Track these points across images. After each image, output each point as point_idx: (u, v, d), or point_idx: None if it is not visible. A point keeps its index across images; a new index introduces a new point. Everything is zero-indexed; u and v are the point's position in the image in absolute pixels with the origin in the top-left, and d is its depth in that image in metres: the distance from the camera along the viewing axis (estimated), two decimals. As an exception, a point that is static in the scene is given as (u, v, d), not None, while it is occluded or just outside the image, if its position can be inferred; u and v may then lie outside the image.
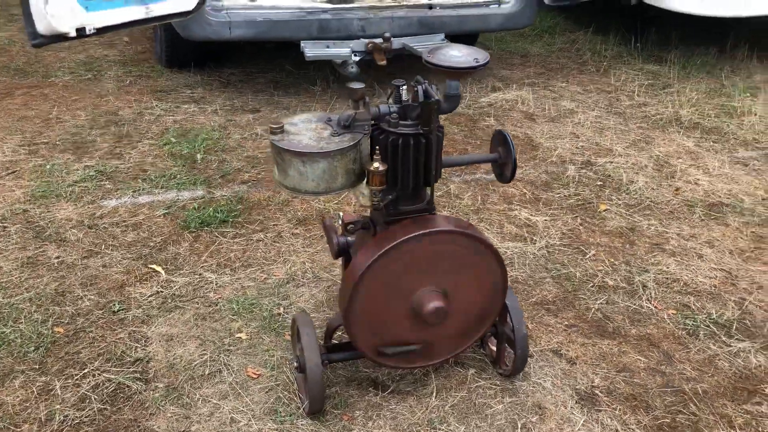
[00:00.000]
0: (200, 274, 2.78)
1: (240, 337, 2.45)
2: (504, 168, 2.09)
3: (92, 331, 2.47)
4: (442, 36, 4.31)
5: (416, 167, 1.94)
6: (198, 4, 3.52)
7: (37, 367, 2.31)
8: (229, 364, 2.33)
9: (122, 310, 2.58)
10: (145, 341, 2.43)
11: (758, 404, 2.26)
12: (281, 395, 2.22)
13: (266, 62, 4.97)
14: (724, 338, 2.55)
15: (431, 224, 1.95)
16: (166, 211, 3.18)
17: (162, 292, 2.68)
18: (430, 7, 4.30)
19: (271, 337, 2.47)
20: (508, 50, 5.65)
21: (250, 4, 4.01)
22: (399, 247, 1.89)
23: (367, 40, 4.10)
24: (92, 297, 2.63)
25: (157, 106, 4.21)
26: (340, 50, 4.03)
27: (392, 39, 4.04)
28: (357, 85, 1.90)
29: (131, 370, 2.31)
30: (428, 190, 2.06)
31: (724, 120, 4.44)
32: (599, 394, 2.28)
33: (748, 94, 4.84)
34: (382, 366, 2.20)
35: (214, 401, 2.19)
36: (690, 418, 2.20)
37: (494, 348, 2.35)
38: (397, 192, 1.98)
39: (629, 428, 2.15)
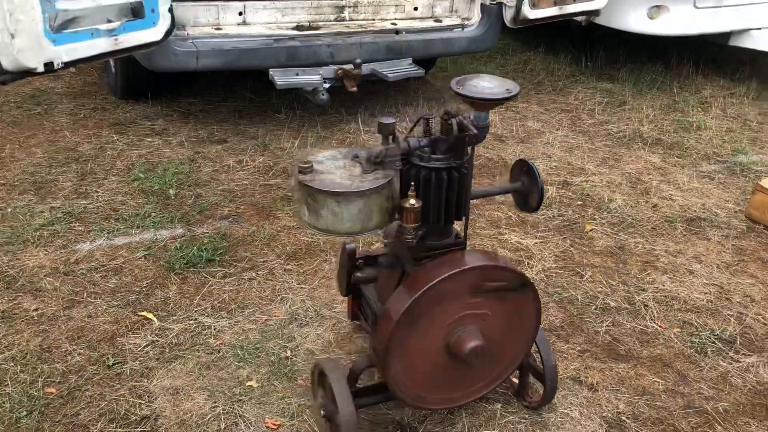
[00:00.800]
0: (196, 319, 2.63)
1: (251, 386, 2.32)
2: (529, 197, 2.05)
3: (88, 389, 2.29)
4: (410, 60, 4.29)
5: (448, 202, 1.88)
6: (165, 34, 3.39)
7: (33, 433, 2.12)
8: (244, 416, 2.20)
9: (117, 363, 2.40)
10: (148, 397, 2.27)
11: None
12: (306, 446, 2.10)
13: (226, 91, 4.83)
14: (731, 354, 2.58)
15: (466, 260, 1.89)
16: (147, 252, 3.01)
17: (158, 341, 2.51)
18: (397, 32, 4.27)
19: (283, 383, 2.34)
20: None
21: (215, 33, 3.88)
22: (436, 286, 1.82)
23: (336, 67, 4.03)
24: (82, 351, 2.45)
25: (118, 140, 4.02)
26: (310, 78, 3.95)
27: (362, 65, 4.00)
28: (387, 120, 1.83)
29: (139, 430, 2.15)
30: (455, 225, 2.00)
31: (683, 135, 4.57)
32: (626, 420, 2.26)
33: (700, 109, 5.02)
34: (421, 409, 2.12)
35: (236, 458, 2.06)
36: (718, 438, 2.20)
37: (516, 380, 2.30)
38: (428, 228, 1.91)
39: (662, 454, 2.13)
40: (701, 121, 4.78)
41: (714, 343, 2.63)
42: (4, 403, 2.21)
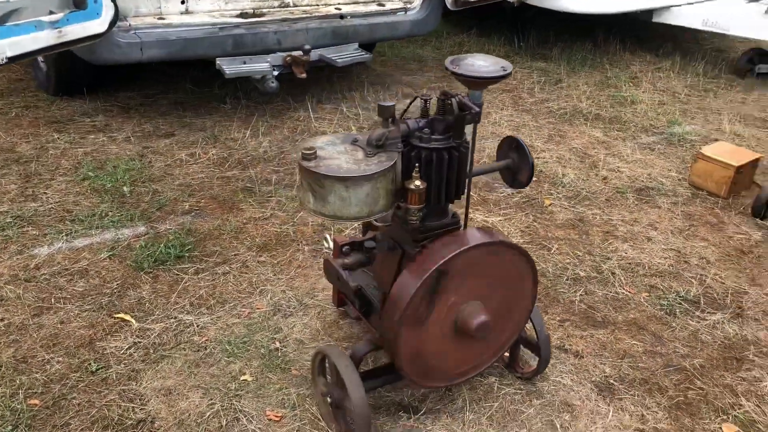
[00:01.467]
0: (175, 318, 2.56)
1: (245, 380, 2.28)
2: (518, 173, 2.10)
3: (74, 396, 2.20)
4: (356, 45, 4.28)
5: (449, 181, 1.90)
6: (109, 25, 3.27)
7: (24, 448, 2.01)
8: (243, 410, 2.16)
9: (101, 368, 2.31)
10: (140, 400, 2.19)
11: (749, 370, 2.44)
12: (312, 435, 2.09)
13: (164, 83, 4.67)
14: (698, 313, 2.73)
15: (469, 239, 1.91)
16: (111, 252, 2.90)
17: (140, 342, 2.43)
18: (342, 17, 4.24)
19: (277, 374, 2.32)
20: (402, 56, 5.71)
21: (158, 23, 3.74)
22: (444, 266, 1.84)
23: (284, 54, 3.97)
24: (60, 359, 2.34)
25: (59, 138, 3.83)
26: (259, 65, 3.88)
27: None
28: (387, 103, 1.83)
29: (136, 434, 2.07)
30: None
31: (619, 109, 4.76)
32: (614, 383, 2.35)
33: (631, 84, 5.23)
34: (426, 388, 2.14)
35: (243, 453, 2.02)
36: (699, 392, 2.33)
37: (507, 354, 2.35)
38: (428, 209, 1.93)
39: (652, 411, 2.24)
40: (634, 95, 4.99)
41: (680, 304, 2.77)
42: (-15, 419, 2.09)
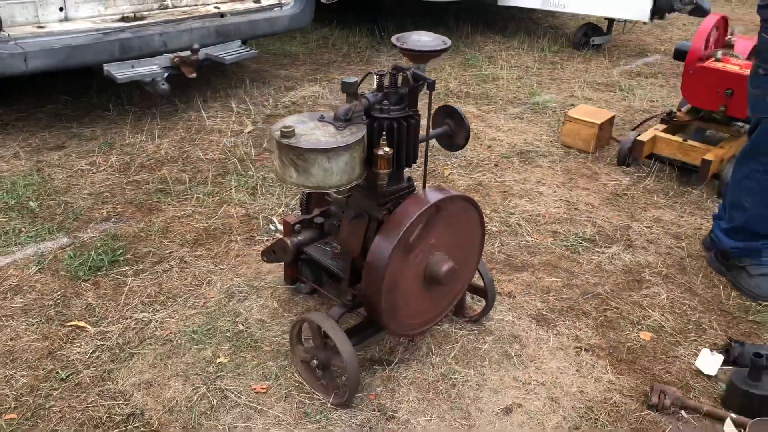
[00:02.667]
0: (131, 317, 2.58)
1: (222, 362, 2.37)
2: (455, 137, 2.36)
3: (53, 404, 2.18)
4: (239, 42, 4.37)
5: (407, 148, 2.12)
6: (-6, 35, 3.16)
7: (17, 460, 1.99)
8: (229, 389, 2.26)
9: (71, 375, 2.30)
10: (122, 396, 2.23)
11: (648, 288, 2.89)
12: (301, 398, 2.24)
13: (36, 98, 4.48)
14: (597, 249, 3.15)
15: (429, 198, 2.14)
16: (39, 266, 2.83)
17: (103, 345, 2.44)
18: (222, 15, 4.31)
19: (250, 353, 2.43)
20: (272, 53, 5.82)
21: (39, 32, 3.63)
22: (415, 223, 2.06)
23: (172, 55, 3.99)
24: (24, 372, 2.30)
25: (-62, 161, 3.60)
26: (148, 68, 3.87)
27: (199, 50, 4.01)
28: (350, 80, 2.01)
29: (130, 427, 2.12)
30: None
31: (484, 87, 5.20)
32: (547, 314, 2.70)
33: (489, 63, 5.71)
34: (403, 336, 2.35)
35: (242, 425, 2.13)
36: (615, 311, 2.73)
37: (453, 302, 2.62)
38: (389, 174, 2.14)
39: (583, 331, 2.60)
40: (494, 72, 5.46)
41: (581, 243, 3.18)
42: (-37, 441, 2.03)
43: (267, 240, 3.06)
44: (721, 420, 2.20)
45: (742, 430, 2.12)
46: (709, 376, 2.42)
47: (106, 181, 3.52)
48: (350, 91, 2.01)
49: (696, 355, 2.50)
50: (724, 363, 2.45)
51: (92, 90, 4.56)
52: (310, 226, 2.53)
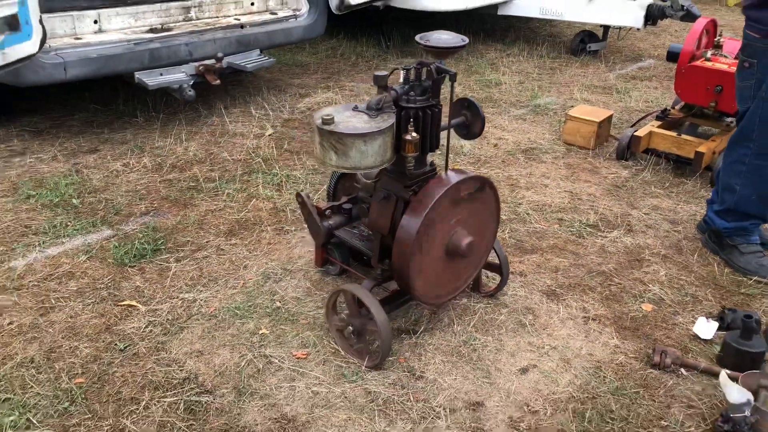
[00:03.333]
0: (178, 297, 2.82)
1: (264, 333, 2.62)
2: (472, 126, 2.62)
3: (115, 371, 2.43)
4: (258, 51, 4.64)
5: (430, 134, 2.39)
6: (40, 46, 3.44)
7: (89, 415, 2.23)
8: (272, 356, 2.51)
9: (128, 346, 2.55)
10: (177, 364, 2.47)
11: (648, 266, 3.14)
12: (338, 363, 2.48)
13: (63, 106, 4.74)
14: (600, 233, 3.41)
15: (451, 179, 2.40)
16: (88, 255, 3.08)
17: (154, 320, 2.68)
18: (242, 26, 4.59)
19: (288, 325, 2.67)
20: (284, 63, 6.10)
21: (76, 42, 3.90)
22: (438, 201, 2.31)
23: (197, 63, 4.26)
24: (87, 344, 2.54)
25: (-18, 164, 3.86)
26: (176, 76, 4.14)
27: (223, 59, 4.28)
28: (381, 73, 2.27)
29: (186, 388, 2.36)
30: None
31: (488, 91, 5.48)
32: (556, 289, 2.95)
33: (491, 69, 5.99)
34: (429, 305, 2.60)
35: (286, 385, 2.37)
36: (618, 286, 2.98)
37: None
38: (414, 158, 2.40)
39: (590, 304, 2.85)
40: (496, 78, 5.74)
41: (585, 228, 3.44)
42: (39, 401, 2.27)
43: (294, 230, 3.32)
44: (717, 375, 2.44)
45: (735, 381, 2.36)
46: (705, 340, 2.67)
47: (140, 180, 3.78)
48: (381, 83, 2.27)
49: (693, 322, 2.75)
50: (719, 329, 2.70)
51: (119, 99, 4.82)
52: (339, 211, 2.79)
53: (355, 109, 2.30)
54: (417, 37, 2.38)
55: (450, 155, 4.19)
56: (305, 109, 4.91)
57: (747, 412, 2.19)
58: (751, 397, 2.21)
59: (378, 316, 2.34)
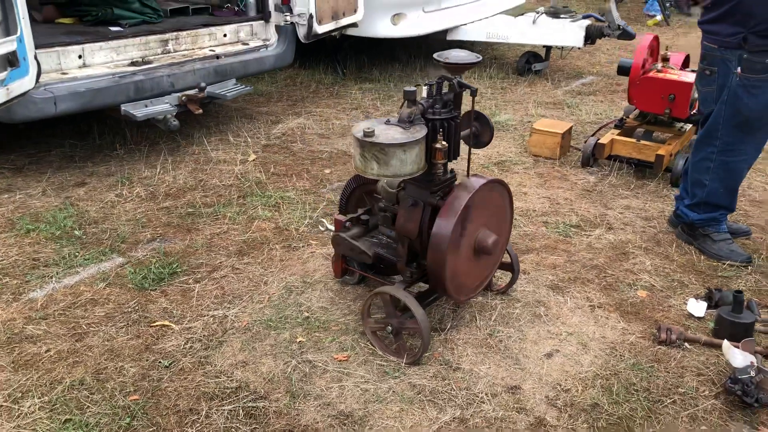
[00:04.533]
0: (208, 315, 2.92)
1: (301, 341, 2.75)
2: (481, 136, 2.86)
3: (167, 386, 2.50)
4: (234, 80, 4.78)
5: (454, 143, 2.61)
6: (36, 81, 3.50)
7: (153, 428, 2.31)
8: (315, 360, 2.64)
9: (173, 363, 2.63)
10: (225, 375, 2.57)
11: (634, 258, 3.44)
12: (378, 362, 2.64)
13: (34, 144, 4.72)
14: (584, 232, 3.70)
15: (474, 183, 2.62)
16: (106, 282, 3.13)
17: (192, 337, 2.77)
18: (218, 57, 4.72)
19: (322, 333, 2.81)
20: (247, 93, 6.21)
21: (64, 77, 3.94)
22: (468, 205, 2.53)
23: (179, 94, 4.36)
24: (132, 364, 2.61)
25: (-28, 202, 3.82)
26: (161, 107, 4.23)
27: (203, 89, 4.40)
28: (410, 89, 2.48)
29: (241, 396, 2.46)
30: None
31: (449, 110, 5.75)
32: (559, 284, 3.20)
33: (447, 91, 6.29)
34: (460, 300, 2.79)
35: (335, 385, 2.51)
36: (612, 277, 3.26)
37: (482, 279, 3.08)
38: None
39: (592, 294, 3.12)
40: (454, 98, 6.03)
41: (570, 229, 3.73)
42: (100, 420, 2.33)
43: (303, 246, 3.46)
44: (716, 347, 2.73)
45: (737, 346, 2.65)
46: (698, 318, 2.96)
47: (138, 209, 3.83)
48: (411, 98, 2.48)
49: (685, 303, 3.05)
50: (708, 307, 3.00)
51: (94, 133, 4.84)
52: (358, 222, 2.96)
53: (388, 123, 2.49)
54: (435, 55, 2.60)
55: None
56: (281, 134, 5.06)
57: (752, 373, 2.47)
58: (753, 360, 2.50)
59: (417, 312, 2.52)
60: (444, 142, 2.49)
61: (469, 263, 2.66)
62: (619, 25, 6.12)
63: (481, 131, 2.84)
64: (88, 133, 4.86)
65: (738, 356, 2.51)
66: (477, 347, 2.73)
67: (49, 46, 3.94)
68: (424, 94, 2.60)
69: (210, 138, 4.90)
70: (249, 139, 4.89)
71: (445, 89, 2.60)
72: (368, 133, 2.36)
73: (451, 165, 2.74)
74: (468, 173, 2.72)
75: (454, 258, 2.55)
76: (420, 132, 2.43)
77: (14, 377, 2.51)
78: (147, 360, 2.63)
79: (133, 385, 2.50)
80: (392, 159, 2.36)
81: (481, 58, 2.64)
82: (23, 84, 3.36)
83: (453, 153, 2.62)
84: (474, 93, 2.54)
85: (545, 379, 2.57)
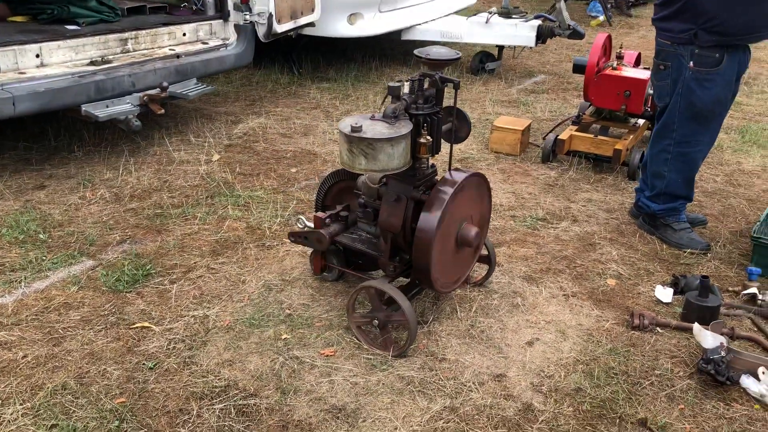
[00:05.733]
0: (189, 315, 2.88)
1: (286, 338, 2.75)
2: (459, 132, 2.91)
3: (153, 387, 2.47)
4: (195, 80, 4.72)
5: (436, 138, 2.65)
6: (-6, 81, 3.38)
7: (143, 430, 2.28)
8: (302, 357, 2.65)
9: (157, 364, 2.59)
10: (212, 374, 2.55)
11: (601, 248, 3.56)
12: (365, 356, 2.66)
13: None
14: (551, 225, 3.80)
15: (456, 178, 2.67)
16: (77, 285, 3.06)
17: (174, 338, 2.74)
18: (178, 56, 4.65)
19: (306, 329, 2.82)
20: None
21: (21, 77, 3.82)
22: (453, 197, 2.58)
23: (141, 94, 4.29)
24: (115, 367, 2.56)
25: (-74, 208, 3.67)
26: (123, 107, 4.14)
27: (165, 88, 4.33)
28: (395, 84, 2.52)
29: (231, 394, 2.45)
30: (426, 158, 2.76)
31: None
32: (532, 275, 3.29)
33: (404, 90, 6.35)
34: (444, 292, 2.83)
35: (325, 380, 2.53)
36: (581, 267, 3.37)
37: (459, 272, 3.14)
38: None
39: (564, 284, 3.21)
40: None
41: (537, 222, 3.83)
42: (86, 425, 2.28)
43: (277, 245, 3.45)
44: (686, 330, 2.86)
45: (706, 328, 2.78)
46: (666, 303, 3.09)
47: (103, 211, 3.75)
48: (395, 93, 2.51)
49: (653, 290, 3.18)
50: (675, 293, 3.14)
51: (49, 135, 4.71)
52: (337, 219, 2.98)
53: (373, 118, 2.52)
54: (416, 51, 2.64)
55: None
56: (242, 134, 5.02)
57: (722, 353, 2.60)
58: (723, 340, 2.63)
59: (404, 304, 2.56)
60: (428, 137, 2.53)
61: (453, 256, 2.71)
62: (569, 25, 6.30)
63: (459, 126, 2.89)
64: (43, 135, 4.72)
65: (709, 338, 2.63)
66: (460, 338, 2.78)
67: (5, 44, 3.81)
68: (406, 89, 2.63)
69: (171, 138, 4.83)
70: (211, 140, 4.83)
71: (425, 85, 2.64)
72: (356, 129, 2.38)
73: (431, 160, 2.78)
74: (450, 167, 2.77)
75: (438, 250, 2.59)
76: (406, 127, 2.46)
77: (-8, 385, 2.43)
78: (130, 362, 2.58)
79: (118, 387, 2.45)
80: (380, 154, 2.39)
81: (460, 54, 2.69)
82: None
83: (435, 147, 2.67)
84: (457, 86, 2.59)
85: (528, 366, 2.64)
